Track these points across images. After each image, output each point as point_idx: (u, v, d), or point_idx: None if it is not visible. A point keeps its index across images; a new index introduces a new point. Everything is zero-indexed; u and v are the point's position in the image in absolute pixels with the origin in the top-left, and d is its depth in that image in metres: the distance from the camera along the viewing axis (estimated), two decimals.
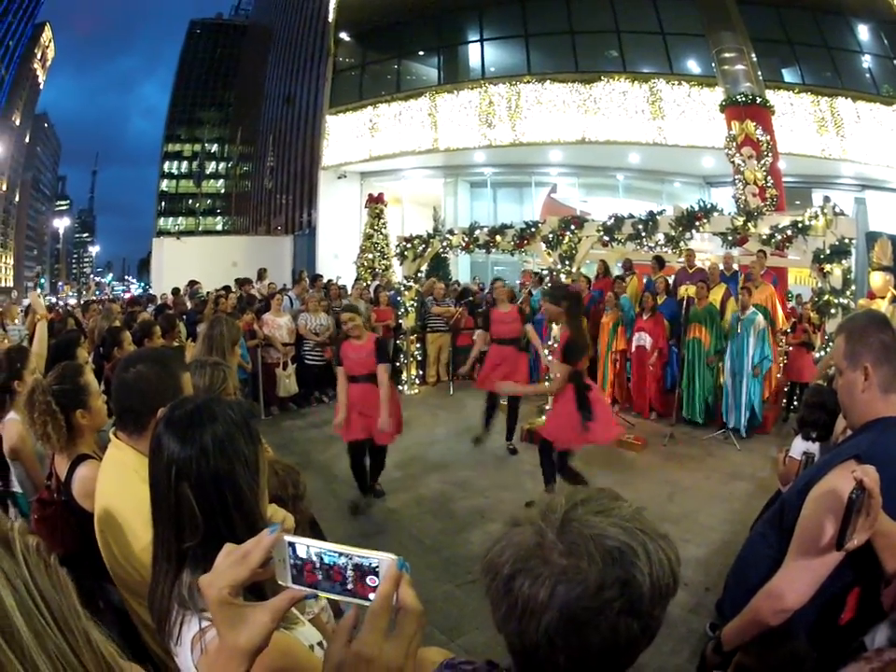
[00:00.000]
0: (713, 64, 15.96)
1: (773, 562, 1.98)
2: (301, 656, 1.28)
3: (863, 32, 19.44)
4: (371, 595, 0.87)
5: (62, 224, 71.07)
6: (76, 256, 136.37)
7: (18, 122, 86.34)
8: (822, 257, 7.27)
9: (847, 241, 7.23)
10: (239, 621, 0.90)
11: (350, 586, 0.88)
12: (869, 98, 18.02)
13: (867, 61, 19.20)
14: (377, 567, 0.86)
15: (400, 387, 10.96)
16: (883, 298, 8.50)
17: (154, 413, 1.88)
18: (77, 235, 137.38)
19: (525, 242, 9.33)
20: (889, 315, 7.75)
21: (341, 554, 0.88)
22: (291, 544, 0.91)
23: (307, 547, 0.90)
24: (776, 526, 2.10)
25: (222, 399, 1.50)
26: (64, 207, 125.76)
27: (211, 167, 74.77)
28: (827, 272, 7.23)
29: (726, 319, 9.10)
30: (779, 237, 7.58)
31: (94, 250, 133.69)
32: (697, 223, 8.02)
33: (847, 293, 7.19)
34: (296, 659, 1.25)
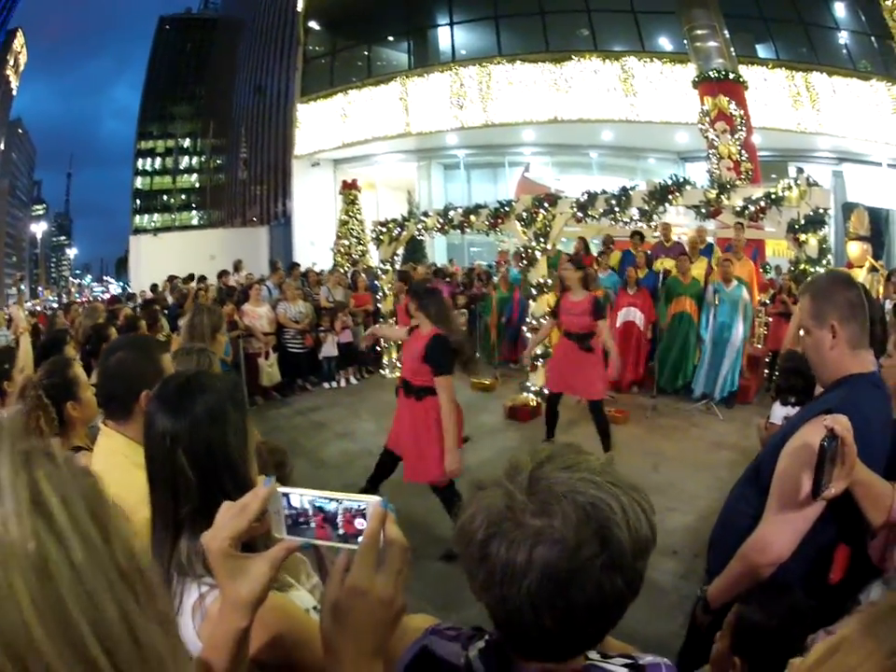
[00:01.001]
0: (685, 41, 15.94)
1: (752, 520, 1.99)
2: (298, 617, 1.33)
3: (840, 9, 19.57)
4: (360, 539, 0.91)
5: (39, 229, 70.34)
6: (54, 259, 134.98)
7: None
8: (797, 227, 7.30)
9: (821, 211, 7.26)
10: (239, 572, 0.94)
11: (341, 531, 0.92)
12: (845, 73, 18.12)
13: (844, 37, 19.31)
14: (365, 509, 0.90)
15: (382, 371, 11.00)
16: (861, 267, 8.58)
17: (138, 397, 2.07)
18: (54, 239, 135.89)
19: (500, 221, 9.31)
20: (868, 284, 7.86)
21: (331, 500, 0.93)
22: (286, 495, 0.95)
23: (300, 496, 0.95)
24: (753, 485, 2.11)
25: (209, 372, 1.54)
26: (41, 212, 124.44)
27: (184, 162, 74.16)
28: (802, 241, 7.26)
29: (709, 292, 9.16)
30: (753, 209, 7.62)
31: (72, 253, 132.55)
32: (670, 196, 8.04)
33: (824, 262, 7.17)
34: (293, 619, 1.30)
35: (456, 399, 4.55)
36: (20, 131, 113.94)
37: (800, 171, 8.55)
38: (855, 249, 8.94)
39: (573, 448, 0.99)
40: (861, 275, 8.42)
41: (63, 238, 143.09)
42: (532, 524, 0.87)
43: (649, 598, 4.08)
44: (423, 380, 4.51)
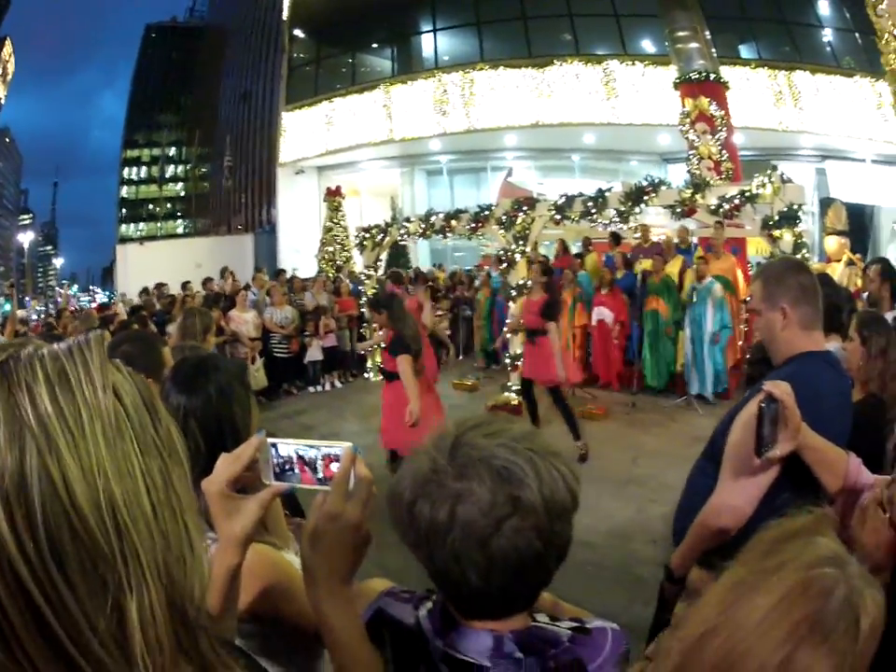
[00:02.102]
0: (666, 44, 15.90)
1: (711, 490, 2.05)
2: (287, 570, 1.43)
3: (824, 6, 19.65)
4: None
5: (26, 238, 69.50)
6: (41, 269, 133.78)
7: None
8: (771, 223, 7.43)
9: (795, 207, 7.38)
10: (234, 510, 1.05)
11: (321, 475, 1.05)
12: (828, 70, 18.16)
13: (827, 35, 19.40)
14: (339, 453, 1.03)
15: (366, 374, 11.09)
16: (838, 261, 8.71)
17: None
18: (40, 249, 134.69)
19: (480, 225, 9.44)
20: (846, 278, 7.99)
21: (312, 447, 1.06)
22: (274, 445, 1.08)
23: (286, 445, 1.08)
24: (710, 458, 2.20)
25: (220, 355, 1.69)
26: (28, 221, 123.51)
27: (170, 170, 73.83)
28: (777, 237, 7.38)
29: (685, 290, 9.30)
30: (727, 206, 7.75)
31: (59, 262, 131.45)
32: (646, 197, 8.17)
33: (799, 256, 7.29)
34: (282, 572, 1.41)
35: (439, 396, 5.89)
36: (7, 140, 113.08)
37: (774, 168, 8.68)
38: (832, 244, 9.06)
39: (500, 417, 1.09)
40: (838, 269, 8.53)
41: (49, 248, 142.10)
42: (452, 486, 0.97)
43: (628, 585, 4.20)
44: (391, 367, 5.60)
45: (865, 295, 7.92)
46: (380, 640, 1.04)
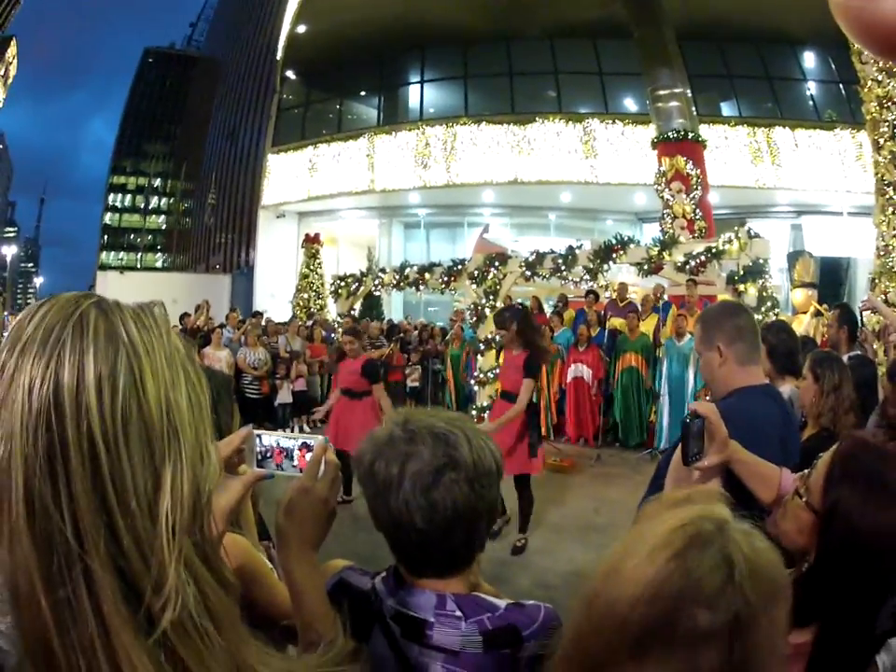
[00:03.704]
0: (647, 102, 16.14)
1: None
2: (257, 557, 1.57)
3: (808, 59, 19.93)
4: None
5: (9, 251, 68.49)
6: (20, 285, 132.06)
7: None
8: (736, 278, 7.62)
9: (761, 261, 7.58)
10: (222, 487, 1.18)
11: (295, 463, 1.27)
12: (809, 125, 18.29)
13: (810, 88, 19.69)
14: (312, 444, 1.25)
15: None
16: (805, 312, 8.91)
17: None
18: (22, 265, 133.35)
19: (453, 279, 9.61)
20: (813, 328, 8.17)
21: (290, 438, 1.29)
22: (258, 435, 1.28)
23: (269, 436, 1.29)
24: (656, 486, 2.26)
25: (207, 367, 1.88)
26: (12, 234, 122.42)
27: (154, 202, 73.63)
28: (741, 291, 7.56)
29: (661, 348, 9.51)
30: (693, 263, 7.96)
31: (38, 281, 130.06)
32: (614, 255, 8.39)
33: (763, 309, 7.42)
34: (253, 557, 1.54)
35: None
36: (0, 145, 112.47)
37: (741, 225, 8.90)
38: (799, 296, 9.26)
39: (437, 409, 1.41)
40: (804, 320, 8.73)
41: (30, 265, 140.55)
42: (403, 448, 1.23)
43: None
44: (362, 387, 6.55)
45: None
46: (339, 606, 1.18)
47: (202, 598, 0.77)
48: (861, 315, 7.88)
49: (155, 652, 0.72)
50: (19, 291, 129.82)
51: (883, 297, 8.39)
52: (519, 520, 5.94)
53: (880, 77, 9.64)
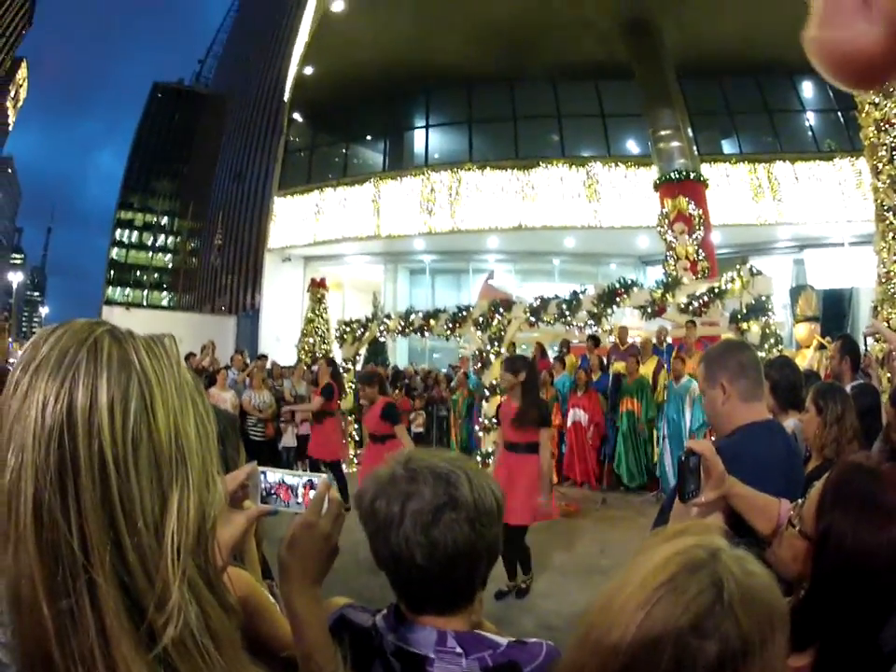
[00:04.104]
0: (649, 143, 16.28)
1: None
2: (261, 591, 1.58)
3: (807, 88, 19.95)
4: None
5: (16, 279, 68.58)
6: (26, 314, 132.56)
7: None
8: (739, 316, 7.63)
9: (764, 298, 7.58)
10: (225, 521, 1.18)
11: (300, 500, 1.27)
12: (808, 157, 18.29)
13: (809, 119, 19.77)
14: (317, 482, 1.27)
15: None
16: (808, 347, 8.89)
17: None
18: (28, 293, 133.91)
19: (458, 325, 9.66)
20: (816, 362, 8.15)
21: (295, 475, 1.29)
22: (263, 472, 1.29)
23: (273, 473, 1.29)
24: (661, 523, 2.28)
25: (214, 406, 1.98)
26: (19, 261, 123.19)
27: (161, 240, 74.07)
28: (744, 330, 7.56)
29: (659, 390, 9.53)
30: (696, 304, 7.98)
31: (44, 311, 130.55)
32: (618, 298, 8.43)
33: (766, 346, 7.41)
34: (257, 591, 1.55)
35: None
36: (9, 171, 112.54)
37: (743, 263, 8.92)
38: (802, 331, 9.24)
39: (440, 449, 1.43)
40: (808, 354, 8.69)
41: (36, 294, 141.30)
42: (405, 487, 1.24)
43: None
44: (384, 430, 6.54)
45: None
46: (340, 641, 1.21)
47: (203, 618, 0.79)
48: (866, 341, 7.87)
49: (155, 668, 0.74)
50: (24, 319, 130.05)
51: (886, 324, 8.39)
52: (521, 567, 5.85)
53: (877, 100, 9.66)
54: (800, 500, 1.61)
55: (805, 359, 8.34)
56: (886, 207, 9.69)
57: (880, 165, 9.82)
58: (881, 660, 1.31)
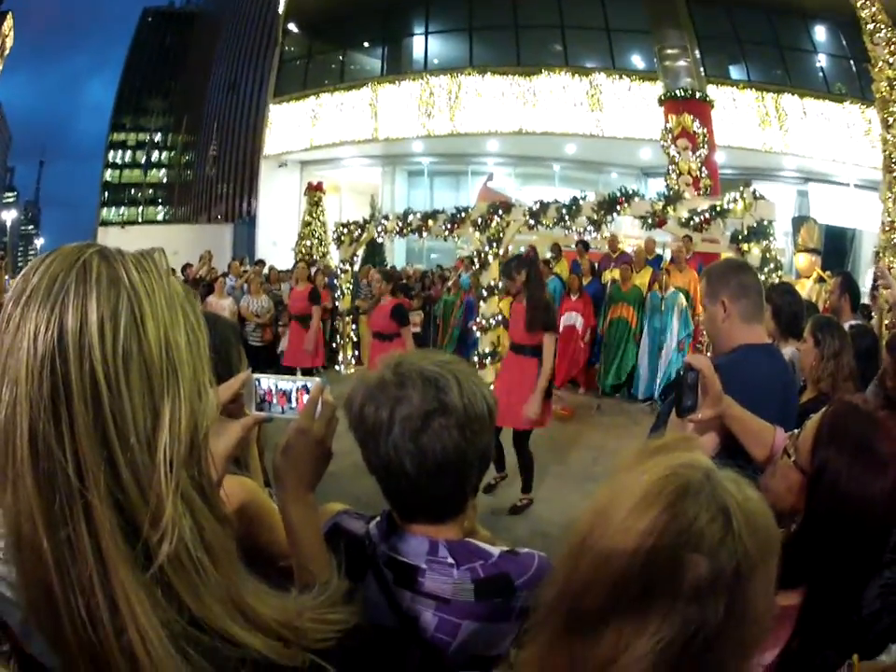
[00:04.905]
0: (655, 60, 15.97)
1: None
2: (261, 496, 1.61)
3: (819, 32, 19.56)
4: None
5: (9, 216, 68.19)
6: (21, 248, 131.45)
7: None
8: (740, 238, 7.59)
9: (765, 223, 7.55)
10: (221, 431, 1.20)
11: (294, 405, 1.24)
12: (818, 95, 18.02)
13: (820, 60, 19.30)
14: (310, 386, 1.23)
15: (337, 367, 11.19)
16: (808, 277, 8.90)
17: None
18: (22, 228, 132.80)
19: (456, 226, 9.59)
20: (815, 294, 8.19)
21: (289, 381, 1.25)
22: (257, 379, 1.26)
23: (267, 379, 1.26)
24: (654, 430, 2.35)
25: (216, 314, 1.96)
26: (12, 199, 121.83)
27: (155, 156, 73.00)
28: (745, 251, 7.54)
29: (648, 299, 9.57)
30: (697, 220, 7.92)
31: (39, 243, 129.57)
32: (618, 207, 8.35)
33: (766, 271, 7.33)
34: (257, 496, 1.59)
35: None
36: None
37: (746, 185, 8.87)
38: (802, 261, 9.23)
39: (431, 350, 1.39)
40: (807, 285, 8.73)
41: (31, 227, 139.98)
42: (393, 392, 1.20)
43: None
44: (391, 329, 6.66)
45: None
46: (335, 549, 1.19)
47: (198, 531, 0.80)
48: (875, 284, 7.83)
49: (152, 588, 0.75)
50: (20, 254, 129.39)
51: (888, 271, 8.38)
52: (522, 479, 5.73)
53: (891, 60, 9.61)
54: (795, 431, 1.60)
55: (804, 289, 8.32)
56: (894, 160, 9.68)
57: (891, 119, 9.78)
58: (861, 621, 1.36)
